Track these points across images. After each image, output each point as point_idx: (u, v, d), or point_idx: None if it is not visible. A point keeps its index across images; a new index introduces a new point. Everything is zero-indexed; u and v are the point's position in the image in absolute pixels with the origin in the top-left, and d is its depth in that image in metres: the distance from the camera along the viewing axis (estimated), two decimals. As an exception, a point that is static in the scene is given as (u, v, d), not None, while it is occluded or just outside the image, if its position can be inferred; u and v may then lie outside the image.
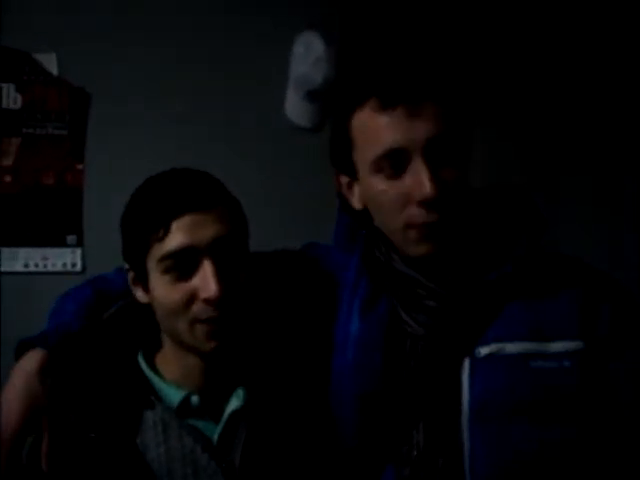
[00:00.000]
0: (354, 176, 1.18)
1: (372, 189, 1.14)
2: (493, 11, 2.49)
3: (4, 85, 2.13)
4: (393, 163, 1.10)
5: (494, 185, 1.26)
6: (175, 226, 1.06)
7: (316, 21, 2.26)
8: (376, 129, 1.11)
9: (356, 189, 1.19)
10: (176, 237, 1.06)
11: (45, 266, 2.16)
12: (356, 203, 1.20)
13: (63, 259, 2.17)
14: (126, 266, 1.16)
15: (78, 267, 2.18)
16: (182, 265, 1.07)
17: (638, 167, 2.52)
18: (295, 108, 2.31)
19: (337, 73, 2.24)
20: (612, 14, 2.52)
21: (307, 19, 2.27)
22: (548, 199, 2.50)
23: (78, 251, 2.18)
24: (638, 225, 2.50)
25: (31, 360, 1.11)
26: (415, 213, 1.10)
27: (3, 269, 2.13)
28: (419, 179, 1.08)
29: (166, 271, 1.07)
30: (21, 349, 1.14)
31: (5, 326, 2.10)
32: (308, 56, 2.22)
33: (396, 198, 1.11)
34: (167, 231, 1.06)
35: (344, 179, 1.21)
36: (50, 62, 2.15)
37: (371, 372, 1.16)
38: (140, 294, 1.15)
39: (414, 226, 1.11)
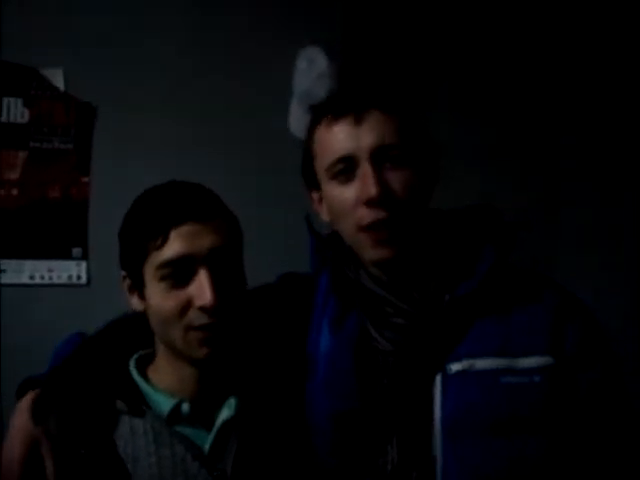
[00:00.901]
0: (318, 187, 1.23)
1: (328, 196, 1.20)
2: (495, 25, 2.52)
3: (12, 100, 2.16)
4: (344, 169, 1.16)
5: (466, 206, 1.28)
6: (174, 235, 1.08)
7: (319, 36, 2.28)
8: (329, 139, 1.18)
9: (324, 203, 1.24)
10: (174, 245, 1.08)
11: (50, 278, 2.18)
12: (324, 216, 1.25)
13: (68, 271, 2.19)
14: (123, 273, 1.17)
15: (83, 279, 2.20)
16: (178, 273, 1.08)
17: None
18: (299, 122, 2.32)
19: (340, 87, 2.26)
20: (611, 20, 2.54)
21: (310, 34, 2.29)
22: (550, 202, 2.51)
23: (83, 264, 2.20)
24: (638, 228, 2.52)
25: (27, 399, 1.13)
26: (364, 214, 1.14)
27: (9, 281, 2.15)
28: (365, 182, 1.13)
29: (162, 279, 1.09)
30: (23, 388, 1.16)
31: (11, 337, 2.11)
32: (311, 71, 2.24)
33: (347, 202, 1.16)
34: (166, 239, 1.08)
35: (315, 195, 1.26)
36: (57, 77, 2.18)
37: (343, 390, 1.18)
38: (135, 302, 1.15)
39: (364, 227, 1.15)
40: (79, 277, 2.20)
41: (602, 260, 2.48)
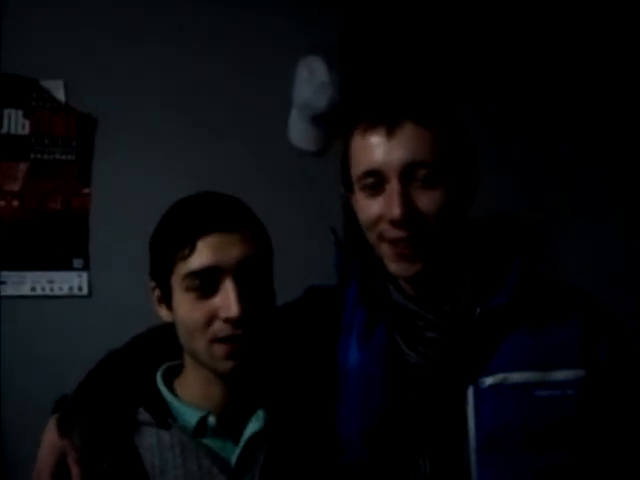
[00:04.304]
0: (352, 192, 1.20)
1: (357, 205, 1.17)
2: (500, 36, 2.52)
3: (12, 111, 2.16)
4: (373, 183, 1.12)
5: (494, 215, 1.26)
6: (201, 244, 1.07)
7: (319, 46, 2.28)
8: (361, 148, 1.14)
9: None
10: (201, 256, 1.07)
11: (52, 290, 2.17)
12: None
13: (69, 283, 2.18)
14: (152, 284, 1.16)
15: (84, 291, 2.19)
16: (205, 284, 1.07)
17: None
18: (299, 132, 2.32)
19: (342, 98, 2.25)
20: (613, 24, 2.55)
21: (310, 44, 2.29)
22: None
23: (84, 275, 2.19)
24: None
25: (58, 414, 1.15)
26: (386, 228, 1.11)
27: (10, 293, 2.14)
28: (390, 201, 1.10)
29: (189, 289, 1.08)
30: (59, 404, 1.17)
31: (12, 348, 2.11)
32: (312, 81, 2.23)
33: (372, 216, 1.13)
34: (193, 249, 1.07)
35: (353, 199, 1.22)
36: (57, 89, 2.18)
37: (374, 404, 1.16)
38: (164, 313, 1.15)
39: (385, 239, 1.13)
40: (80, 288, 2.19)
41: (602, 262, 2.48)
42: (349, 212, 2.32)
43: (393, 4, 2.43)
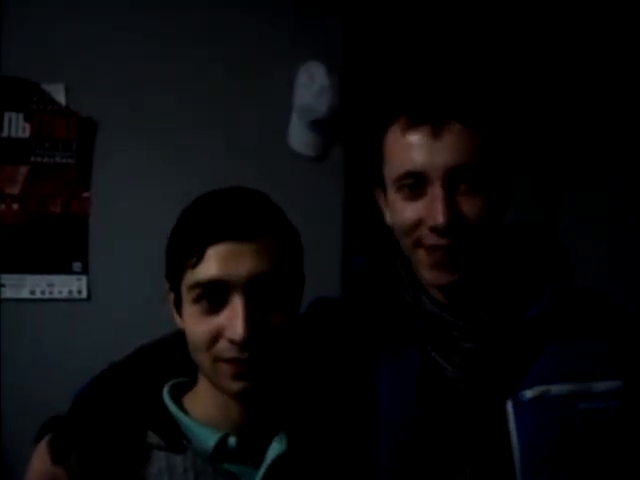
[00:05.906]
0: (384, 187, 1.13)
1: (393, 206, 1.11)
2: (498, 37, 2.53)
3: (13, 114, 2.16)
4: (413, 185, 1.06)
5: (516, 222, 1.20)
6: (210, 254, 0.95)
7: (319, 50, 2.29)
8: (402, 148, 1.07)
9: (389, 207, 1.14)
10: (209, 266, 0.95)
11: (51, 293, 2.17)
12: (388, 218, 1.15)
13: (69, 286, 2.18)
14: (167, 285, 1.05)
15: (84, 294, 2.19)
16: (213, 297, 0.96)
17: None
18: (299, 137, 2.32)
19: (341, 103, 2.26)
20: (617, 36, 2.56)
21: (310, 48, 2.29)
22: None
23: (84, 278, 2.19)
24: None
25: (47, 437, 1.03)
26: (425, 234, 1.05)
27: (10, 296, 2.14)
28: (434, 206, 1.03)
29: (196, 301, 0.97)
30: (46, 427, 1.06)
31: (11, 352, 2.11)
32: (312, 86, 2.23)
33: (410, 220, 1.07)
34: (200, 258, 0.96)
35: (379, 192, 1.16)
36: (58, 92, 2.18)
37: (407, 422, 1.10)
38: (178, 319, 1.04)
39: (422, 245, 1.07)
40: (79, 292, 2.19)
41: (601, 263, 2.48)
42: (351, 218, 2.34)
43: (392, 8, 2.44)
